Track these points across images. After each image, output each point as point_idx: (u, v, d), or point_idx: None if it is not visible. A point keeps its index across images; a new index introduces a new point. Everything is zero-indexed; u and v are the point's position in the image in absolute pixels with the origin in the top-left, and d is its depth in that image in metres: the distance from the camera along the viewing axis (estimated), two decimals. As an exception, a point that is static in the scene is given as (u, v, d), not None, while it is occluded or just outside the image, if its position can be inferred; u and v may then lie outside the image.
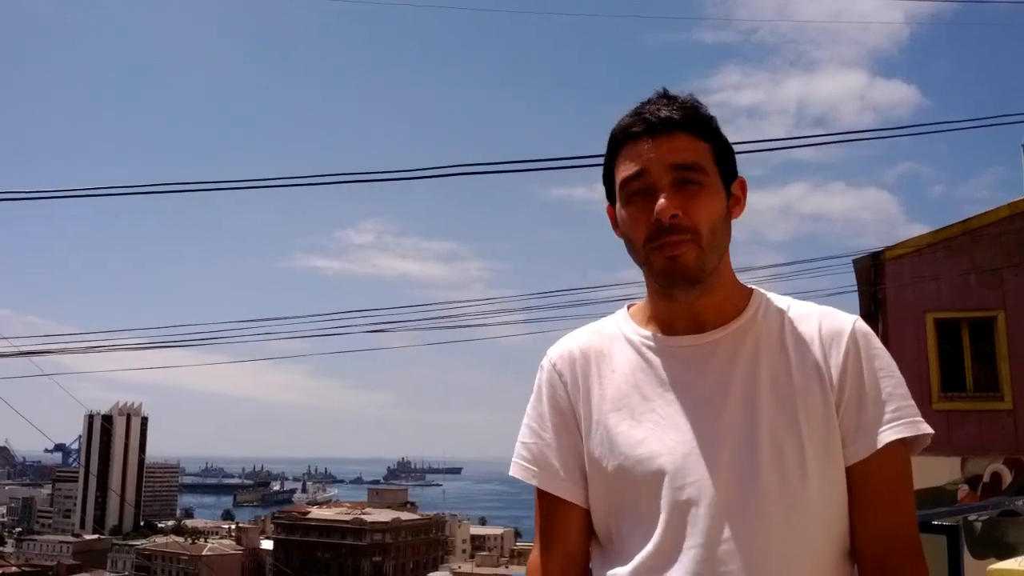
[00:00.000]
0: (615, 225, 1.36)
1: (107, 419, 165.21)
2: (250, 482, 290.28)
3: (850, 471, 1.26)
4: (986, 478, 12.15)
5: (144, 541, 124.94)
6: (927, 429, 1.27)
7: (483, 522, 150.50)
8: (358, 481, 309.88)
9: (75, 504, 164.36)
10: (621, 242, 1.35)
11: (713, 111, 1.33)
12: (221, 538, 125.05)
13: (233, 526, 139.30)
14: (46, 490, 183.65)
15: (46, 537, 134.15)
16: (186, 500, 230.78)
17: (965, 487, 12.07)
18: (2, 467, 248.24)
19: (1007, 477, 12.14)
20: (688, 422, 1.28)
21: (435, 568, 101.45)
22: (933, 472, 11.52)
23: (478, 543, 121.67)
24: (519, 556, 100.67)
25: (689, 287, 1.29)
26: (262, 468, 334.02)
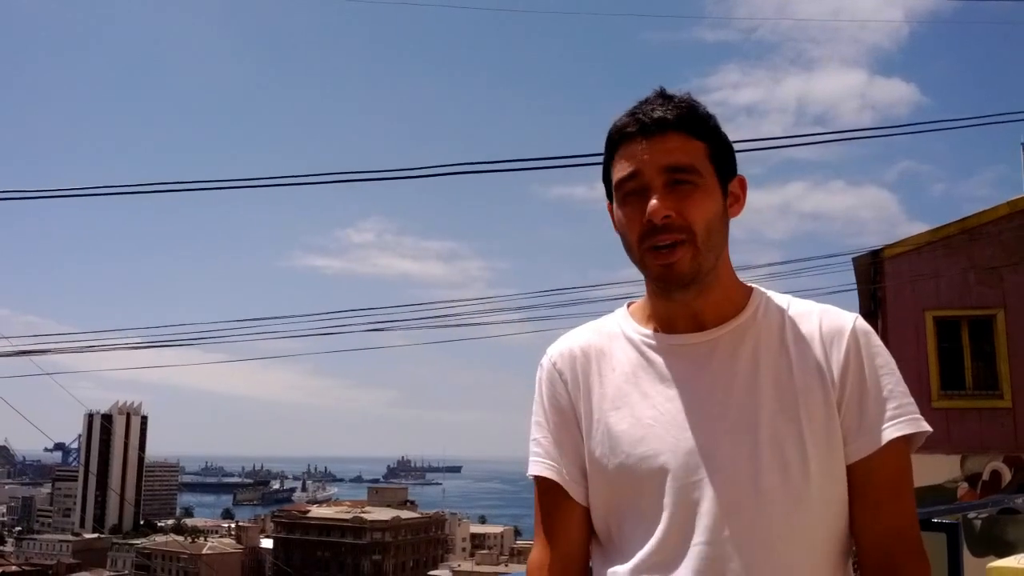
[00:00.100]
0: (615, 223, 1.37)
1: (107, 418, 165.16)
2: (250, 481, 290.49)
3: (851, 469, 1.27)
4: (985, 476, 12.18)
5: (144, 540, 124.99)
6: (928, 427, 1.27)
7: (483, 520, 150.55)
8: (358, 480, 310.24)
9: (75, 503, 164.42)
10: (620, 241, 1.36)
11: (712, 110, 1.32)
12: (221, 537, 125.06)
13: (233, 525, 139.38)
14: (46, 489, 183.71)
15: (46, 536, 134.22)
16: (186, 499, 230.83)
17: (965, 485, 12.09)
18: (2, 466, 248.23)
19: (1006, 475, 12.16)
20: (689, 420, 1.27)
21: (435, 566, 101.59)
22: (933, 470, 11.54)
23: (478, 541, 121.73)
24: (519, 554, 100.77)
25: (686, 288, 1.29)
26: (262, 467, 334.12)
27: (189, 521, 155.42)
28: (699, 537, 1.22)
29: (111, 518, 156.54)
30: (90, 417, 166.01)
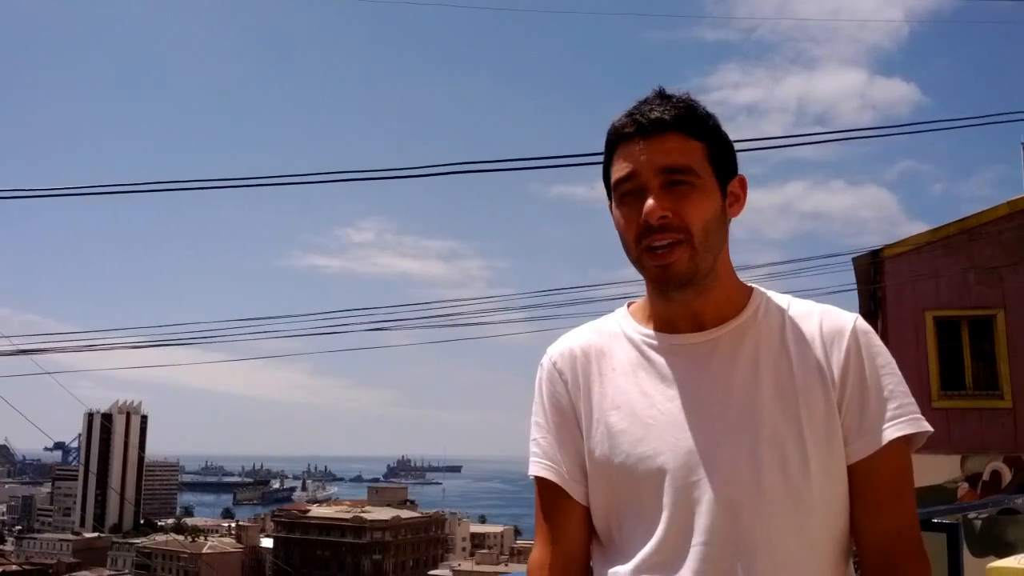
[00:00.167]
0: (615, 223, 1.37)
1: (107, 417, 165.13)
2: (250, 480, 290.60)
3: (852, 469, 1.27)
4: (986, 476, 12.18)
5: (144, 539, 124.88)
6: (929, 427, 1.27)
7: (483, 520, 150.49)
8: (358, 479, 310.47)
9: (75, 502, 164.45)
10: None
11: (712, 109, 1.32)
12: (221, 536, 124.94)
13: (233, 524, 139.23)
14: (46, 488, 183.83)
15: (46, 535, 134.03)
16: (186, 498, 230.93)
17: (965, 485, 12.09)
18: (2, 465, 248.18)
19: (1007, 475, 12.16)
20: (689, 420, 1.27)
21: (435, 566, 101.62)
22: (933, 470, 11.53)
23: (478, 541, 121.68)
24: (519, 554, 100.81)
25: (683, 289, 1.29)
26: (262, 466, 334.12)
27: (189, 520, 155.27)
28: (699, 537, 1.22)
29: (111, 517, 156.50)
30: (90, 416, 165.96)
